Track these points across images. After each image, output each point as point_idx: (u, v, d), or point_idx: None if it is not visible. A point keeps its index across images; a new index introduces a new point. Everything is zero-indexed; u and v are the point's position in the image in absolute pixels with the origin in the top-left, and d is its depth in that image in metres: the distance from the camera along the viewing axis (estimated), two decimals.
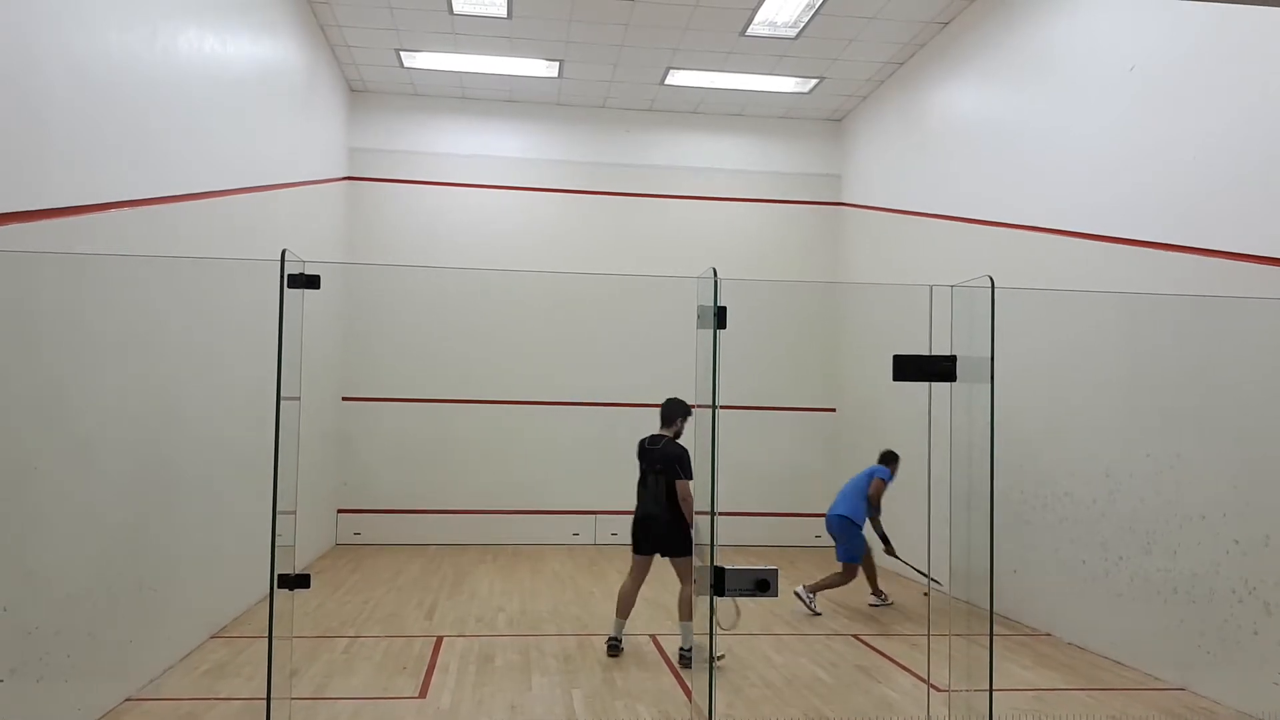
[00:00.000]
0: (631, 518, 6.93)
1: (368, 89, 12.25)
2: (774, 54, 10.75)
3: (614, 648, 6.79)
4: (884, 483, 8.63)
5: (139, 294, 5.70)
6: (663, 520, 6.67)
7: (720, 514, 3.96)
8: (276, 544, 3.97)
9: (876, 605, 8.67)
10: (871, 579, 8.78)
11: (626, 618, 6.86)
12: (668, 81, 11.71)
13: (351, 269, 12.14)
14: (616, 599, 6.90)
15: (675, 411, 6.90)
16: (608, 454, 12.41)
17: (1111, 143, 7.22)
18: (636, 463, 6.91)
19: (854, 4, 9.43)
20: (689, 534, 6.64)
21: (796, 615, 8.27)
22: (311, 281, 4.11)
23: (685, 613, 6.67)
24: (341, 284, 12.01)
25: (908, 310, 9.48)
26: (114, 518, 5.35)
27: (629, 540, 6.91)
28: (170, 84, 6.17)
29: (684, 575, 6.74)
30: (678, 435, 6.84)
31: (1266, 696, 5.56)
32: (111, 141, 5.33)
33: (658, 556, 6.82)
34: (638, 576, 6.85)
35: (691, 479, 6.53)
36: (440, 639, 7.20)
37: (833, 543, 8.66)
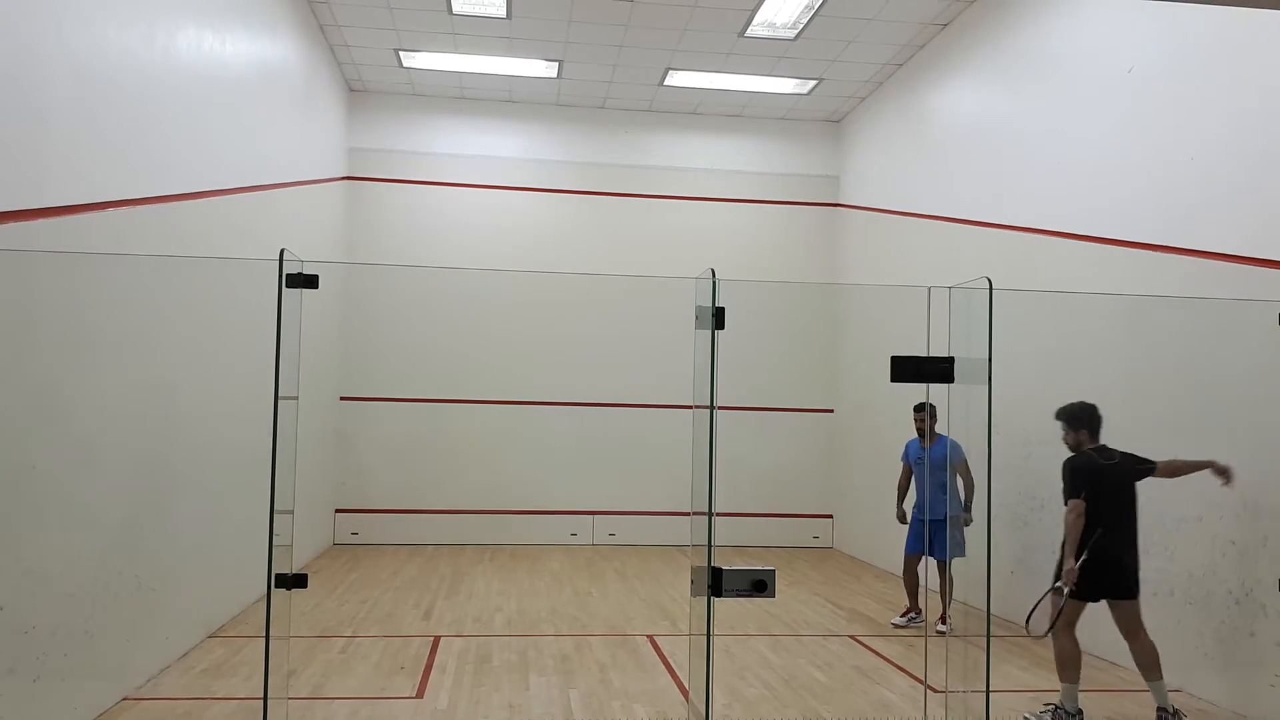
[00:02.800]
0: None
1: (367, 89, 12.25)
2: (773, 55, 10.75)
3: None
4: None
5: (138, 293, 5.70)
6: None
7: (718, 514, 3.97)
8: (274, 544, 3.97)
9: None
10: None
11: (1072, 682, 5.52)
12: (667, 82, 11.72)
13: (350, 269, 12.14)
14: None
15: (1071, 421, 5.77)
16: (606, 455, 12.46)
17: (1109, 144, 7.23)
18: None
19: (853, 5, 9.44)
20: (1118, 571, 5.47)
21: (792, 616, 8.27)
22: (310, 281, 4.10)
23: (1148, 672, 5.43)
24: (340, 284, 12.01)
25: (906, 311, 9.48)
26: (112, 517, 5.35)
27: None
28: (170, 83, 6.17)
29: (1120, 623, 5.51)
30: (1076, 447, 5.75)
31: (1263, 698, 5.57)
32: (111, 141, 5.33)
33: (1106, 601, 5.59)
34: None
35: (1075, 498, 5.56)
36: (438, 639, 7.20)
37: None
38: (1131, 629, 5.45)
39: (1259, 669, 5.60)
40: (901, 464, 8.26)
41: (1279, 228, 5.69)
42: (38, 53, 4.53)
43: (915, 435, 8.16)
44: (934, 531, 7.75)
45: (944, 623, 7.54)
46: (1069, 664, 5.48)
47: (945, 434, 7.63)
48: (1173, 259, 6.49)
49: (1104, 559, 5.48)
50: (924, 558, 7.98)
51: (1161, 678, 5.37)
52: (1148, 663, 5.39)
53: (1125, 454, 5.67)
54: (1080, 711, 5.44)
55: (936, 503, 7.74)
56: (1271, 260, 5.70)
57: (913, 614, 7.98)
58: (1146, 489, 6.59)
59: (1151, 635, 6.42)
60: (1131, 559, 5.54)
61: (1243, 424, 5.85)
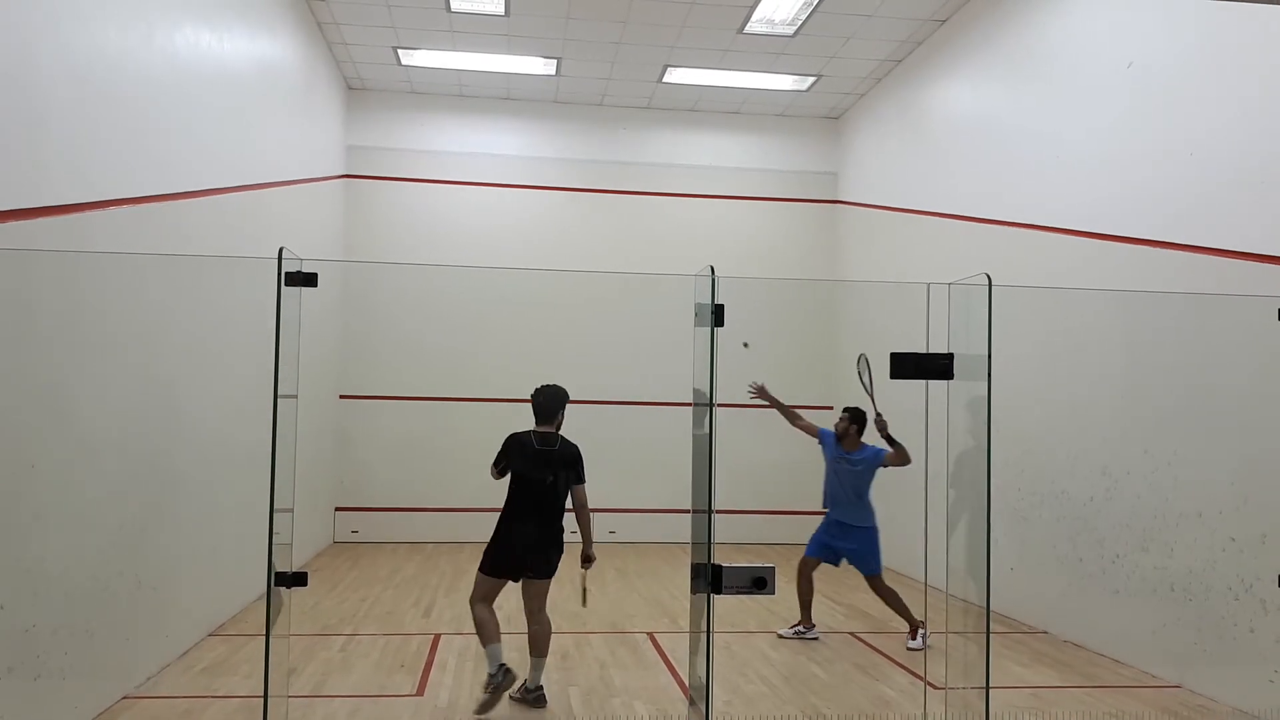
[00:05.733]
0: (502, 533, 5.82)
1: (365, 87, 12.24)
2: (772, 52, 10.75)
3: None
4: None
5: (137, 292, 5.70)
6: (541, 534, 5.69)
7: (718, 511, 3.97)
8: (274, 542, 3.97)
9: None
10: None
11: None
12: (665, 79, 11.71)
13: (349, 267, 12.14)
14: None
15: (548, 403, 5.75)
16: (605, 452, 12.42)
17: (1108, 140, 7.23)
18: (523, 464, 5.77)
19: (851, 1, 9.43)
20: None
21: (793, 613, 8.27)
22: (309, 279, 4.11)
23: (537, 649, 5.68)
24: (339, 282, 12.00)
25: (905, 308, 9.48)
26: (112, 516, 5.35)
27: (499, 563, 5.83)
28: (168, 82, 6.16)
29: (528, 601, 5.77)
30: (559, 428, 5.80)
31: (1263, 693, 5.58)
32: (110, 139, 5.33)
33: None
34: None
35: (493, 465, 5.96)
36: (438, 636, 7.20)
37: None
38: (535, 608, 5.66)
39: (1258, 664, 5.61)
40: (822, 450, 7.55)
41: (1278, 223, 5.70)
42: (36, 53, 4.53)
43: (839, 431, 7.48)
44: (856, 542, 7.30)
45: (915, 637, 7.10)
46: (485, 630, 5.57)
47: (869, 443, 7.29)
48: (1172, 254, 6.49)
49: (511, 539, 5.71)
50: (820, 564, 7.54)
51: (545, 656, 5.63)
52: (541, 642, 5.63)
53: (566, 444, 5.75)
54: (504, 666, 5.43)
55: (854, 510, 7.32)
56: (1271, 256, 5.70)
57: (801, 627, 7.42)
58: (1144, 486, 6.60)
59: (1151, 631, 6.44)
60: (547, 541, 5.66)
61: (1242, 420, 5.86)
